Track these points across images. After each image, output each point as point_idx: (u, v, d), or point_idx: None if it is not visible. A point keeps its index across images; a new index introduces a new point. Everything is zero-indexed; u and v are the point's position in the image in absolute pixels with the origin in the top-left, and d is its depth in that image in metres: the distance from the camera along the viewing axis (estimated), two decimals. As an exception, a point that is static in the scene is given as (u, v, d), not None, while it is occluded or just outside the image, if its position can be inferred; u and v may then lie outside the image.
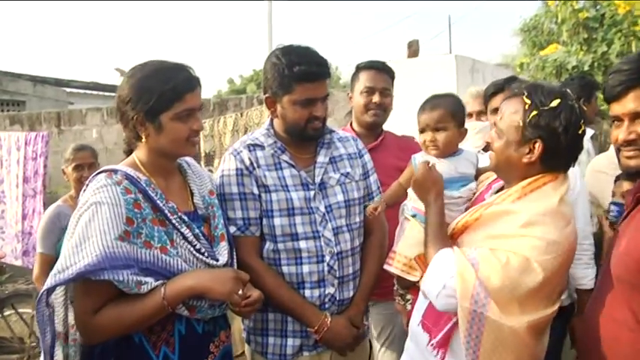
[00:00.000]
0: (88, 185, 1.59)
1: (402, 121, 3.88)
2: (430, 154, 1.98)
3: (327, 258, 1.98)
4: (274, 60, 1.95)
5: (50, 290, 1.48)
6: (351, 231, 2.05)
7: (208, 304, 1.63)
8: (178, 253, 1.59)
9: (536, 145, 1.58)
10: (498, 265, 1.56)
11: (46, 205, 5.78)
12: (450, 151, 1.98)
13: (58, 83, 13.73)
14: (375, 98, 2.58)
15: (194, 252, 1.63)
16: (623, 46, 5.84)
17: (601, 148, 3.86)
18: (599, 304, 1.57)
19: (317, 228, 1.98)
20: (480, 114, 3.18)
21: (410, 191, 1.96)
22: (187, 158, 1.86)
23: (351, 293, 2.06)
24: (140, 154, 1.68)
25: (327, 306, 1.99)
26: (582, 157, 3.29)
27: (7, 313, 4.39)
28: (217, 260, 1.68)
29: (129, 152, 1.74)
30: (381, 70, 2.64)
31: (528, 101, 1.60)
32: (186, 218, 1.66)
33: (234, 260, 1.81)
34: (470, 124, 3.27)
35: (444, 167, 1.93)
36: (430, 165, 1.86)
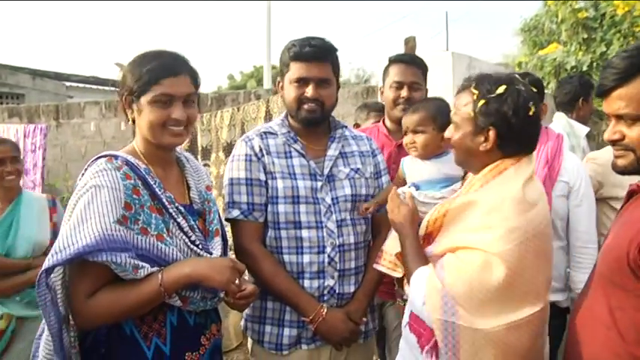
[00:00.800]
0: (86, 169, 1.60)
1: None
2: (412, 155, 2.05)
3: (328, 249, 1.99)
4: (286, 44, 2.08)
5: (49, 271, 1.46)
6: (354, 225, 2.07)
7: (200, 296, 1.63)
8: (174, 242, 1.60)
9: (490, 133, 1.62)
10: (461, 269, 1.56)
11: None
12: (429, 153, 2.01)
13: (58, 77, 13.68)
14: (404, 93, 2.52)
15: (189, 243, 1.63)
16: (622, 47, 5.85)
17: (597, 147, 3.87)
18: (584, 299, 1.57)
19: (321, 218, 2.00)
20: None
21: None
22: (186, 153, 1.88)
23: (352, 288, 2.07)
24: (138, 142, 1.70)
25: (325, 298, 2.00)
26: (578, 155, 3.31)
27: None
28: (211, 254, 1.69)
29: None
30: (410, 64, 2.58)
31: (476, 91, 1.64)
32: (182, 209, 1.67)
33: (227, 256, 1.82)
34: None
35: (427, 168, 1.97)
36: (401, 196, 1.89)
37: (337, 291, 2.02)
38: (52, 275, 1.49)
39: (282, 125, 2.10)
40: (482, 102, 1.62)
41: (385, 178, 2.22)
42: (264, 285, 1.95)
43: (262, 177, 2.01)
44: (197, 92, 1.71)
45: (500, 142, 1.62)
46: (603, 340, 1.43)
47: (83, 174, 1.60)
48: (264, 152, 2.03)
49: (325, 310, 1.96)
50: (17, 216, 2.69)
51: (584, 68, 6.23)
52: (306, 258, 1.98)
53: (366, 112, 3.63)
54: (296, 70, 2.01)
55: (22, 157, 2.90)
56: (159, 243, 1.55)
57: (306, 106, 2.02)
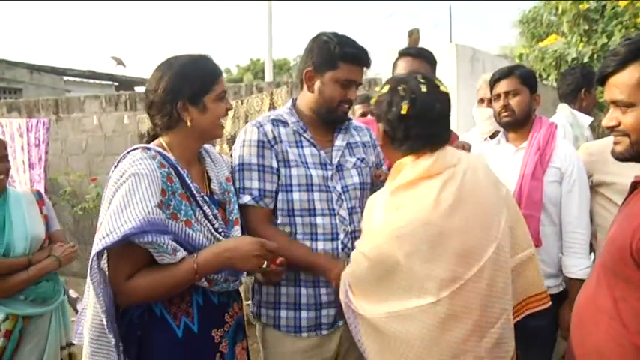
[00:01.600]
0: (121, 161, 1.71)
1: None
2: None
3: (342, 236, 2.03)
4: (325, 38, 2.06)
5: (100, 254, 1.58)
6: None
7: (224, 279, 1.75)
8: (200, 229, 1.71)
9: (381, 131, 1.76)
10: (352, 258, 1.73)
11: (47, 192, 5.79)
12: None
13: (55, 71, 13.62)
14: None
15: (212, 230, 1.75)
16: (624, 38, 5.85)
17: (597, 139, 3.89)
18: (588, 289, 1.58)
19: (333, 206, 2.03)
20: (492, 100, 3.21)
21: None
22: (206, 146, 1.98)
23: None
24: (170, 139, 1.79)
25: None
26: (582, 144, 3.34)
27: None
28: None
29: (152, 139, 1.84)
30: (416, 57, 2.58)
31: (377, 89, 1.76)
32: (207, 199, 1.79)
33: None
34: (480, 110, 3.31)
35: None
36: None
37: None
38: (103, 258, 1.63)
39: (290, 114, 2.12)
40: (372, 101, 1.77)
41: (385, 168, 2.28)
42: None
43: (274, 164, 2.02)
44: None
45: (392, 141, 1.74)
46: (607, 330, 1.44)
47: (117, 165, 1.71)
48: (277, 140, 2.05)
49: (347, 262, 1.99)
50: (8, 213, 2.62)
51: (585, 60, 6.24)
52: (320, 245, 2.01)
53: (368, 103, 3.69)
54: (347, 71, 2.03)
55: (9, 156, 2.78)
56: (187, 229, 1.67)
57: (343, 108, 2.08)
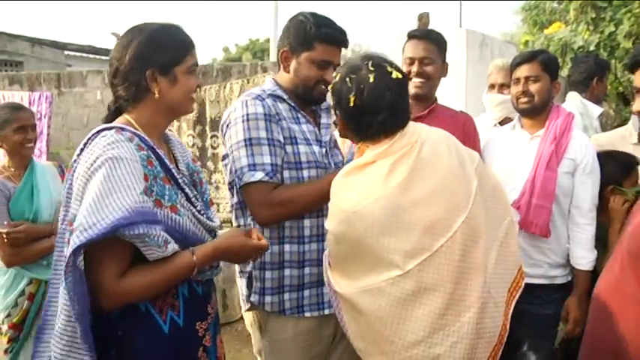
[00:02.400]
0: (88, 143, 1.52)
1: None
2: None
3: None
4: (301, 18, 2.03)
5: (78, 250, 1.37)
6: None
7: (209, 265, 1.66)
8: (185, 213, 1.58)
9: (338, 120, 1.77)
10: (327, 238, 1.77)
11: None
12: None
13: (55, 45, 13.54)
14: (414, 68, 2.49)
15: (195, 213, 1.63)
16: (632, 27, 5.80)
17: (602, 129, 3.89)
18: (610, 277, 1.60)
19: None
20: (503, 87, 3.20)
21: None
22: (167, 131, 1.83)
23: None
24: (137, 115, 1.61)
25: None
26: (591, 135, 3.35)
27: None
28: (213, 221, 1.72)
29: (113, 116, 1.65)
30: (422, 39, 2.54)
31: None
32: (186, 180, 1.68)
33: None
34: (490, 95, 3.31)
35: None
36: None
37: None
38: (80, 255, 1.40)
39: (281, 91, 2.08)
40: (330, 88, 1.77)
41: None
42: (308, 204, 1.97)
43: (281, 139, 1.97)
44: None
45: (347, 129, 1.75)
46: (634, 315, 1.47)
47: (84, 148, 1.52)
48: (280, 116, 2.00)
49: None
50: (35, 181, 2.75)
51: (592, 48, 6.20)
52: (326, 220, 2.02)
53: None
54: (323, 51, 2.00)
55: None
56: (173, 214, 1.53)
57: (320, 89, 2.05)
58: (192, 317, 1.62)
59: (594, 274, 2.29)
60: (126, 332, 1.52)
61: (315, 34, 1.98)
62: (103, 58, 15.20)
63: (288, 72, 2.06)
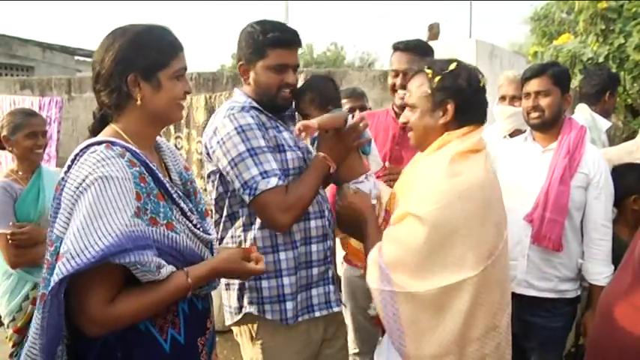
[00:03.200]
0: (76, 159, 1.43)
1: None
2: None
3: (326, 212, 2.13)
4: (249, 29, 2.06)
5: (62, 280, 1.29)
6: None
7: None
8: (181, 229, 1.51)
9: (448, 106, 1.75)
10: (393, 235, 1.69)
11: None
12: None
13: (65, 50, 13.65)
14: (399, 80, 2.57)
15: (191, 227, 1.56)
16: (643, 39, 5.77)
17: (610, 142, 3.88)
18: (619, 287, 1.59)
19: None
20: (514, 99, 3.21)
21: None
22: (157, 137, 1.74)
23: None
24: (124, 124, 1.52)
25: (329, 260, 2.14)
26: (600, 149, 3.34)
27: None
28: (210, 235, 1.65)
29: (100, 126, 1.57)
30: (405, 51, 2.61)
31: (430, 71, 1.77)
32: (180, 193, 1.59)
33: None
34: (501, 107, 3.31)
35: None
36: (353, 191, 2.02)
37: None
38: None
39: (255, 103, 2.07)
40: (438, 78, 1.76)
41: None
42: (313, 194, 2.01)
43: (271, 146, 2.01)
44: None
45: (457, 114, 1.75)
46: None
47: (72, 164, 1.44)
48: (265, 125, 2.03)
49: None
50: (41, 186, 2.77)
51: (601, 60, 6.19)
52: (312, 223, 2.07)
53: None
54: (277, 56, 2.01)
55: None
56: (169, 232, 1.45)
57: (283, 94, 2.06)
58: (192, 333, 1.57)
59: None
60: (125, 354, 1.45)
61: (265, 41, 2.00)
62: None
63: (249, 84, 2.09)
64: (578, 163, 2.41)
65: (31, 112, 2.91)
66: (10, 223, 2.62)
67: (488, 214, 1.65)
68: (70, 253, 1.29)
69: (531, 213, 2.41)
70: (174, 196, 1.53)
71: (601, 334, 1.65)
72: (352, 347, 2.80)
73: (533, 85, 2.48)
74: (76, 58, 13.94)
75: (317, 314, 2.09)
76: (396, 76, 2.58)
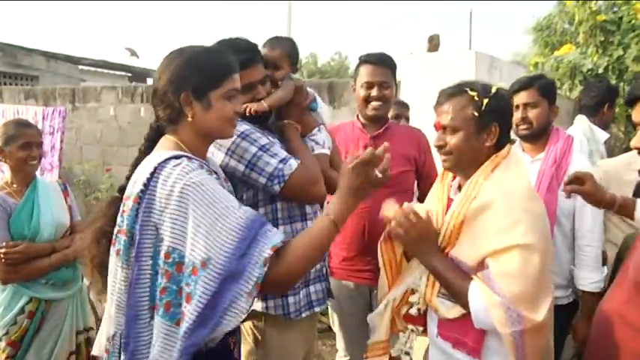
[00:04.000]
0: (159, 173, 1.47)
1: (420, 113, 3.94)
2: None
3: (319, 213, 2.18)
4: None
5: (260, 278, 1.40)
6: None
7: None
8: None
9: (493, 129, 1.75)
10: (509, 273, 1.60)
11: (60, 179, 5.86)
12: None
13: (70, 60, 13.73)
14: (374, 92, 2.65)
15: None
16: (640, 51, 5.83)
17: (609, 153, 3.90)
18: (613, 304, 1.61)
19: None
20: None
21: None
22: None
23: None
24: (182, 136, 1.61)
25: (324, 257, 2.19)
26: (597, 160, 3.37)
27: None
28: None
29: (156, 135, 1.66)
30: (378, 64, 2.67)
31: (474, 93, 1.75)
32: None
33: None
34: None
35: None
36: (412, 214, 1.77)
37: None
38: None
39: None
40: (486, 101, 1.73)
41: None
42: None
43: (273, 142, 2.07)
44: None
45: (500, 135, 1.77)
46: (637, 346, 1.50)
47: (160, 179, 1.47)
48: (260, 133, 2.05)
49: None
50: (37, 199, 2.72)
51: (600, 71, 6.24)
52: (311, 224, 2.04)
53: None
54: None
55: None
56: None
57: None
58: (225, 335, 1.56)
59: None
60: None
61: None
62: (117, 73, 15.41)
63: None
64: (565, 172, 2.44)
65: (26, 123, 2.84)
66: (3, 244, 2.57)
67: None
68: (200, 260, 1.38)
69: None
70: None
71: (596, 352, 1.66)
72: (342, 355, 2.79)
73: (522, 98, 2.52)
74: (80, 67, 14.02)
75: (316, 309, 2.15)
76: (370, 87, 2.65)
